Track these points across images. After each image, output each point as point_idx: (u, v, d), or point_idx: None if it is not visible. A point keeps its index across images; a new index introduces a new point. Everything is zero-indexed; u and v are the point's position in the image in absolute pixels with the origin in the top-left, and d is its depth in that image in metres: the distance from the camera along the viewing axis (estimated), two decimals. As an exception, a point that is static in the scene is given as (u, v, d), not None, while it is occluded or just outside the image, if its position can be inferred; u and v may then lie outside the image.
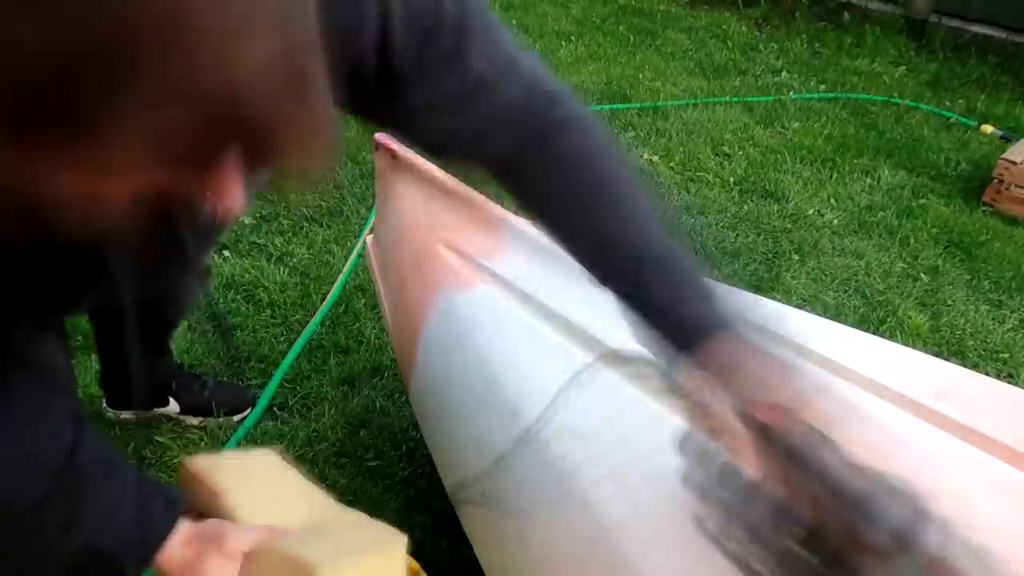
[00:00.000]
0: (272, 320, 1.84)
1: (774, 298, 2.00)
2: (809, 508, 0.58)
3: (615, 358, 0.92)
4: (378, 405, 1.64)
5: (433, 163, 0.68)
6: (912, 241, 2.43)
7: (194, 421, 1.55)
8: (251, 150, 0.40)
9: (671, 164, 2.75)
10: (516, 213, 1.26)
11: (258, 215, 2.20)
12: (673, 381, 0.68)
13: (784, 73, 3.69)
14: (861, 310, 2.11)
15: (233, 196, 0.43)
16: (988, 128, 3.22)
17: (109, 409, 1.53)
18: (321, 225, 2.21)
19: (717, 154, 2.86)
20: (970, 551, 0.58)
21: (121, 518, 0.65)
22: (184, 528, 0.67)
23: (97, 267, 0.63)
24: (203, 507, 0.73)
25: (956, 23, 4.09)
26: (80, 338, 1.66)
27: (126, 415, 1.54)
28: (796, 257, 2.30)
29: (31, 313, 0.67)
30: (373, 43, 0.60)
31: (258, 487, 0.75)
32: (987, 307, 2.16)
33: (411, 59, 0.62)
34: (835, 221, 2.50)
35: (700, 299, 0.67)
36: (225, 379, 1.65)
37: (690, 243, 0.67)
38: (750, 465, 0.62)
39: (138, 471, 0.69)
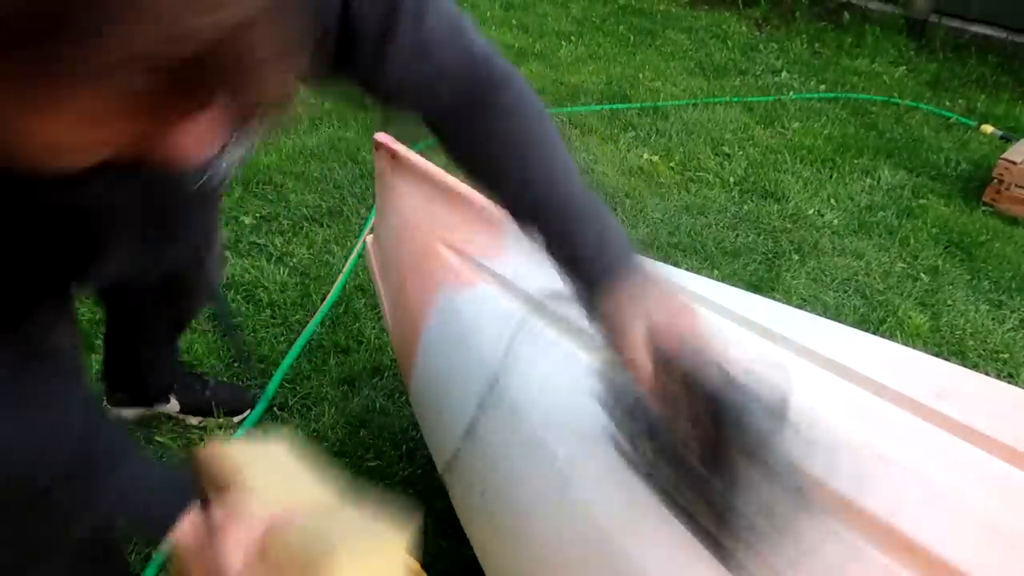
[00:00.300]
0: (272, 320, 1.84)
1: (774, 298, 2.00)
2: (693, 424, 0.67)
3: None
4: (378, 405, 1.64)
5: (378, 109, 0.79)
6: (912, 241, 2.43)
7: (194, 420, 1.55)
8: (221, 94, 0.43)
9: (671, 164, 2.75)
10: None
11: (258, 215, 2.20)
12: (591, 321, 0.76)
13: (784, 73, 3.69)
14: (861, 310, 2.11)
15: (201, 146, 0.46)
16: (988, 128, 3.22)
17: (110, 408, 1.54)
18: (321, 225, 2.21)
19: (717, 154, 2.86)
20: (826, 456, 0.67)
21: (136, 499, 0.67)
22: (195, 512, 0.69)
23: (97, 237, 0.67)
24: (212, 495, 0.74)
25: (956, 23, 4.10)
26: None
27: (127, 414, 1.54)
28: (796, 257, 2.30)
29: (39, 289, 0.69)
30: (338, 8, 0.68)
31: (265, 477, 0.76)
32: (987, 307, 2.16)
33: (376, 25, 0.69)
34: (835, 221, 2.51)
35: (611, 245, 0.76)
36: (226, 379, 1.66)
37: (601, 197, 0.80)
38: (652, 393, 0.71)
39: (150, 457, 0.69)
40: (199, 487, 0.72)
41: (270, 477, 0.77)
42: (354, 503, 0.79)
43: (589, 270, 0.75)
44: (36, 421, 0.63)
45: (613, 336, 0.73)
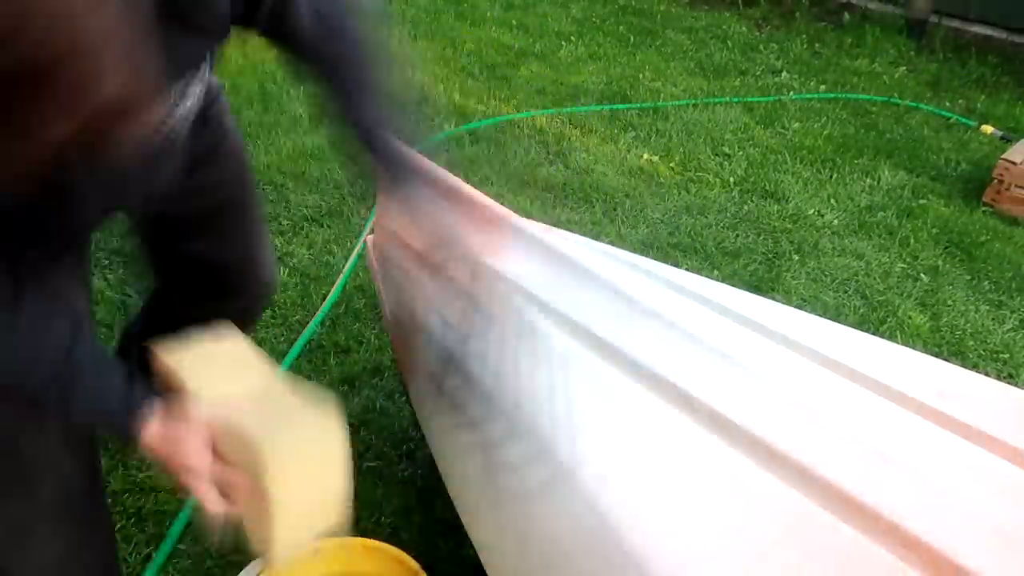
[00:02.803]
0: (272, 320, 1.84)
1: (774, 298, 2.00)
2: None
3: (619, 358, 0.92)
4: (378, 405, 1.64)
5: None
6: (912, 241, 2.43)
7: None
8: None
9: (671, 164, 2.75)
10: (517, 213, 1.25)
11: (258, 215, 2.20)
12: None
13: (784, 73, 3.69)
14: (861, 310, 2.11)
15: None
16: (988, 128, 3.22)
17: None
18: (321, 225, 2.21)
19: (717, 154, 2.86)
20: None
21: (107, 405, 0.82)
22: (159, 409, 0.83)
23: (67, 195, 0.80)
24: (172, 386, 0.89)
25: (956, 23, 4.10)
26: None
27: None
28: (796, 257, 2.30)
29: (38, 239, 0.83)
30: None
31: (203, 376, 0.89)
32: (987, 307, 2.16)
33: None
34: (835, 221, 2.51)
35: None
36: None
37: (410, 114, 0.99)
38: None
39: (126, 371, 0.83)
40: (161, 382, 0.88)
41: (208, 374, 0.89)
42: (288, 391, 0.90)
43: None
44: (30, 336, 0.77)
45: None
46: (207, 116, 1.03)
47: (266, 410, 0.86)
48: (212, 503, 0.82)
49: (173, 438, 0.82)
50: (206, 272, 1.21)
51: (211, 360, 0.92)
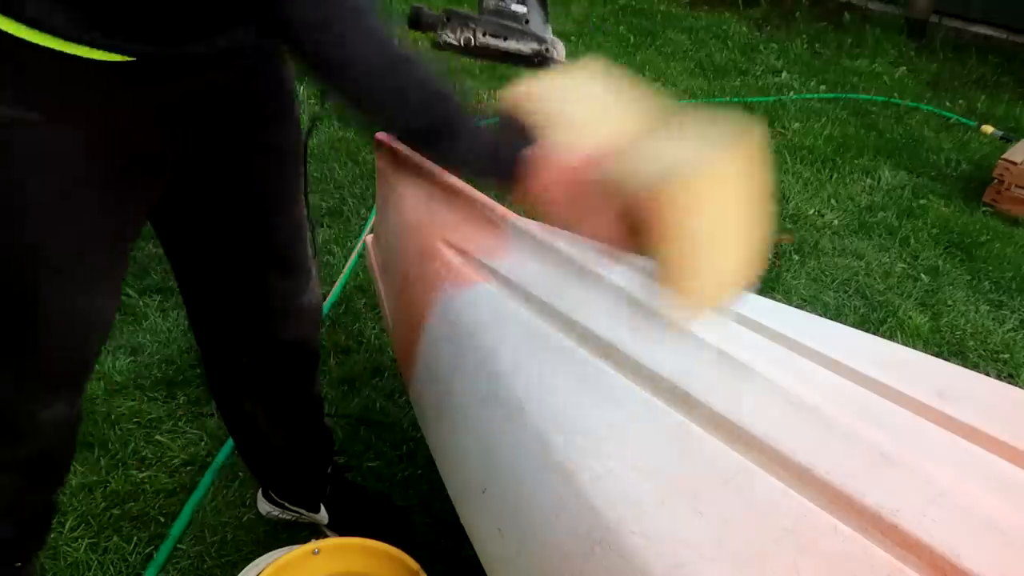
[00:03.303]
0: (272, 320, 1.84)
1: (774, 298, 2.00)
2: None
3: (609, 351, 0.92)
4: (378, 405, 1.64)
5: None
6: (912, 241, 2.43)
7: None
8: None
9: (671, 164, 2.75)
10: (519, 213, 1.25)
11: (258, 215, 2.20)
12: None
13: (784, 73, 3.69)
14: (861, 310, 2.11)
15: None
16: (988, 128, 3.22)
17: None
18: (321, 225, 2.21)
19: (717, 154, 2.86)
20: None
21: (484, 145, 0.79)
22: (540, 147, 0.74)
23: None
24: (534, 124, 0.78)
25: (956, 23, 4.10)
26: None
27: (274, 513, 1.40)
28: (796, 257, 2.30)
29: None
30: None
31: (574, 109, 0.76)
32: (987, 307, 2.16)
33: None
34: (835, 221, 2.50)
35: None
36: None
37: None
38: None
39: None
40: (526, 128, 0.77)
41: (580, 108, 0.76)
42: (675, 125, 0.75)
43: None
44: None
45: None
46: None
47: (655, 148, 0.71)
48: (630, 246, 0.71)
49: (566, 177, 0.71)
50: None
51: (576, 93, 0.79)
